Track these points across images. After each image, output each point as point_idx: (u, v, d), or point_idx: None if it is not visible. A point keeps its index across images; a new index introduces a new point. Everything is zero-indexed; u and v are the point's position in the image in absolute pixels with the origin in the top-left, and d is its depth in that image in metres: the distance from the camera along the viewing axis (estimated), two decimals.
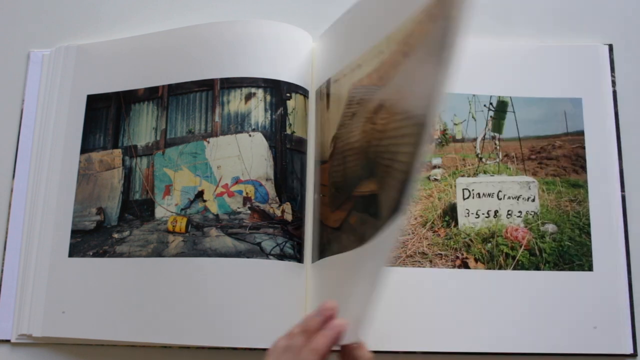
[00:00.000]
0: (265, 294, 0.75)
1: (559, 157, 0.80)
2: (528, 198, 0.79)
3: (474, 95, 0.83)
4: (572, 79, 0.83)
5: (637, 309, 0.77)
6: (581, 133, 0.81)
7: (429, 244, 0.79)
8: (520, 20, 0.87)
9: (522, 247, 0.77)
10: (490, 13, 0.88)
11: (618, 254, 0.78)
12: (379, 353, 0.77)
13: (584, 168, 0.80)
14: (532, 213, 0.79)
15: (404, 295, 0.77)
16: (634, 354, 0.76)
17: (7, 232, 0.85)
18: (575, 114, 0.81)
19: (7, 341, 0.82)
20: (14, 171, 0.87)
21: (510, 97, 0.83)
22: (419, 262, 0.78)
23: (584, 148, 0.81)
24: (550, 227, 0.78)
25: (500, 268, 0.77)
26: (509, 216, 0.79)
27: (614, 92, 0.83)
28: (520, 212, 0.79)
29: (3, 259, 0.84)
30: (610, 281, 0.77)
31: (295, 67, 0.82)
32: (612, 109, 0.83)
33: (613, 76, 0.84)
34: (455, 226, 0.79)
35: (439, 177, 0.81)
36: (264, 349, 0.76)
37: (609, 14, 0.87)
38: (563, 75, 0.83)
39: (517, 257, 0.77)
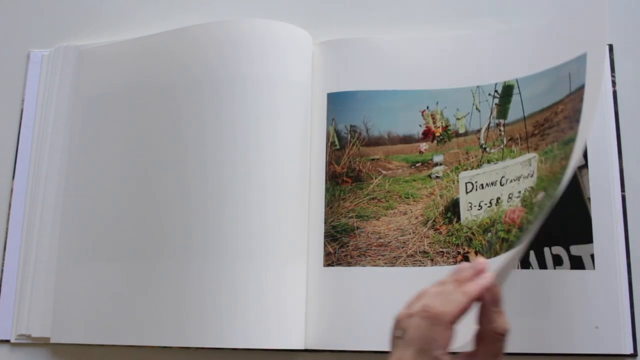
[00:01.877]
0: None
1: (559, 122, 0.78)
2: (528, 175, 0.78)
3: (477, 87, 0.82)
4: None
5: (637, 309, 0.76)
6: (582, 87, 0.73)
7: (430, 242, 0.78)
8: (520, 20, 0.87)
9: (516, 227, 0.77)
10: (491, 15, 0.88)
11: (618, 254, 0.78)
12: (380, 353, 0.77)
13: (578, 122, 0.76)
14: (530, 189, 0.78)
15: (405, 295, 0.77)
16: (634, 354, 0.75)
17: (7, 232, 0.85)
18: (579, 72, 0.75)
19: (7, 341, 0.82)
20: (14, 171, 0.87)
21: (517, 79, 0.82)
22: (420, 261, 0.78)
23: (582, 101, 0.74)
24: (541, 196, 0.77)
25: (496, 254, 0.76)
26: (509, 200, 0.78)
27: (614, 92, 0.83)
28: (519, 192, 0.78)
29: (3, 259, 0.84)
30: (610, 281, 0.76)
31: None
32: (612, 109, 0.82)
33: (613, 76, 0.84)
34: (457, 222, 0.79)
35: (440, 174, 0.81)
36: (265, 350, 0.77)
37: (609, 14, 0.87)
38: (567, 41, 0.80)
39: (510, 239, 0.77)
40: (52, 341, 0.80)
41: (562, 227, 0.78)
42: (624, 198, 0.80)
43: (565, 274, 0.77)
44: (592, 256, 0.77)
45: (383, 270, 0.78)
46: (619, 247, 0.78)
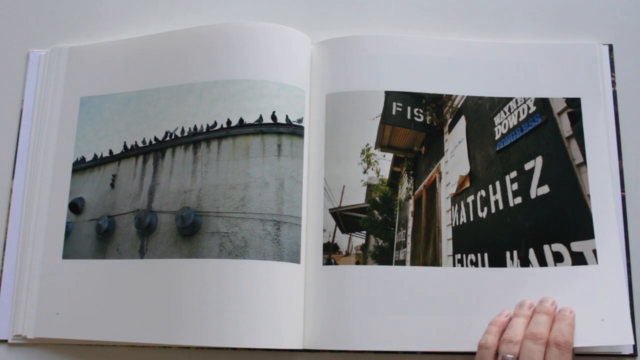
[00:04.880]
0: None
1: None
2: None
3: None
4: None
5: (637, 309, 0.76)
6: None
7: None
8: (520, 21, 0.87)
9: None
10: (490, 13, 0.88)
11: (621, 250, 0.77)
12: (378, 353, 0.77)
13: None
14: None
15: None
16: (634, 354, 0.75)
17: (6, 233, 0.85)
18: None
19: (5, 341, 0.82)
20: (14, 172, 0.86)
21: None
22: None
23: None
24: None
25: None
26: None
27: (614, 92, 0.83)
28: None
29: (2, 259, 0.84)
30: (609, 281, 0.76)
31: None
32: (612, 109, 0.82)
33: (613, 76, 0.84)
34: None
35: None
36: (264, 350, 0.77)
37: (609, 14, 0.87)
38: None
39: None
40: (46, 338, 0.81)
41: (562, 224, 0.77)
42: (623, 198, 0.80)
43: (565, 270, 0.76)
44: (595, 252, 0.76)
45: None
46: (621, 245, 0.77)
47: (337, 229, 0.80)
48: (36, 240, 0.83)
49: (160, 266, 0.79)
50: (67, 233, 0.84)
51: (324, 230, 0.80)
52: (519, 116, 0.81)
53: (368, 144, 0.81)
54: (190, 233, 0.79)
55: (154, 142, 0.84)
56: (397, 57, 0.84)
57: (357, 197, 0.80)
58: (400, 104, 0.83)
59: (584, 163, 0.79)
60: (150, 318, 0.77)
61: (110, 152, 0.85)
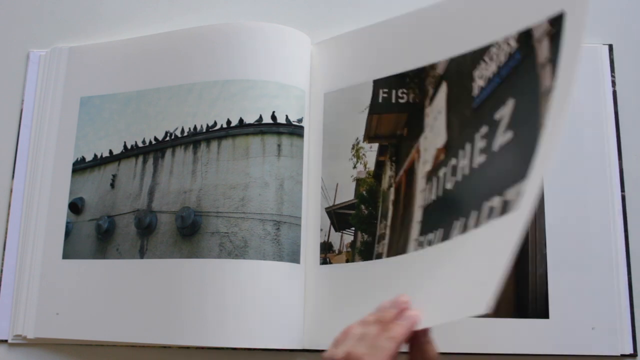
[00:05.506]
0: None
1: None
2: None
3: None
4: None
5: (637, 309, 0.76)
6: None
7: None
8: None
9: None
10: None
11: (618, 254, 0.77)
12: None
13: None
14: None
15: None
16: (634, 354, 0.75)
17: (6, 233, 0.85)
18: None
19: (5, 341, 0.82)
20: (14, 172, 0.87)
21: None
22: None
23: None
24: None
25: None
26: None
27: (614, 92, 0.83)
28: None
29: (2, 259, 0.84)
30: (610, 281, 0.76)
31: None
32: (612, 109, 0.82)
33: (613, 76, 0.83)
34: None
35: None
36: (264, 350, 0.77)
37: (609, 14, 0.87)
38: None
39: None
40: (46, 338, 0.81)
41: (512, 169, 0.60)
42: (623, 198, 0.79)
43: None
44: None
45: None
46: (619, 248, 0.77)
47: (332, 227, 0.80)
48: (36, 240, 0.84)
49: (160, 266, 0.79)
50: (67, 233, 0.84)
51: (321, 230, 0.80)
52: (498, 62, 0.66)
53: (357, 138, 0.80)
54: (190, 233, 0.79)
55: (154, 142, 0.84)
56: (382, 42, 0.81)
57: (348, 193, 0.80)
58: (386, 90, 0.80)
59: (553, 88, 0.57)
60: (150, 318, 0.77)
61: (110, 152, 0.86)
